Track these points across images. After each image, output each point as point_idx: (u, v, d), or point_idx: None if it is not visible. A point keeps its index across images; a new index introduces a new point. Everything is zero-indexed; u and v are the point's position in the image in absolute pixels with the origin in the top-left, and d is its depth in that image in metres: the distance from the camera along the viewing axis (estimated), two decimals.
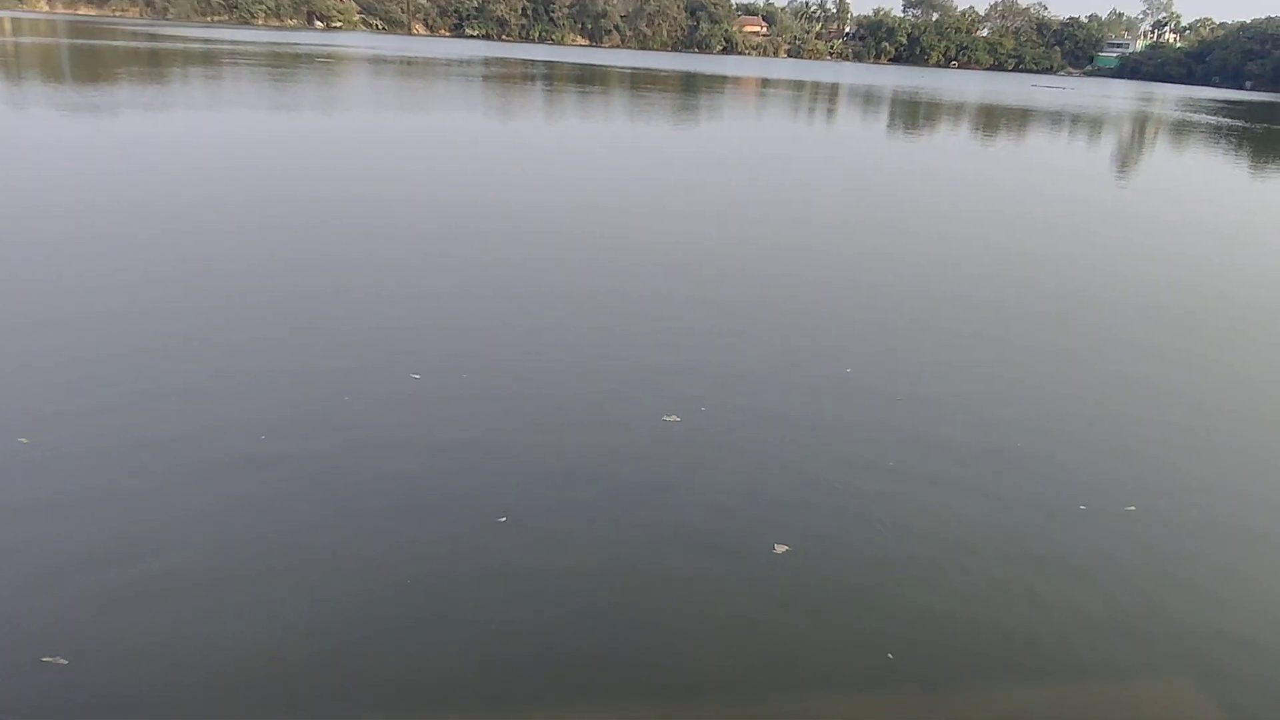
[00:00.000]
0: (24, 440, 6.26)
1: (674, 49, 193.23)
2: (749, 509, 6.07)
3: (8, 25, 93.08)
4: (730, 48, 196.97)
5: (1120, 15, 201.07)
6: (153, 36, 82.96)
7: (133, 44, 66.26)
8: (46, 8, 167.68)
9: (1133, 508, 6.40)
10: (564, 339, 8.98)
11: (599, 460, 6.58)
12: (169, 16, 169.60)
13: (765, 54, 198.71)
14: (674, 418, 7.27)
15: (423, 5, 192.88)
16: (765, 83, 74.76)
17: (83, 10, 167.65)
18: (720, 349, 9.03)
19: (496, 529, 5.62)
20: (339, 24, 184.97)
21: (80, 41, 66.68)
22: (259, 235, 12.13)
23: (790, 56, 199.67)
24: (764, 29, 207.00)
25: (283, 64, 52.81)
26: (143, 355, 7.84)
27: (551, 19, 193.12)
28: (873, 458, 6.89)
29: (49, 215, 12.37)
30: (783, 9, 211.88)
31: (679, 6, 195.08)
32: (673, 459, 6.67)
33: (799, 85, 73.39)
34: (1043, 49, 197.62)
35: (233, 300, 9.39)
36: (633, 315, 9.93)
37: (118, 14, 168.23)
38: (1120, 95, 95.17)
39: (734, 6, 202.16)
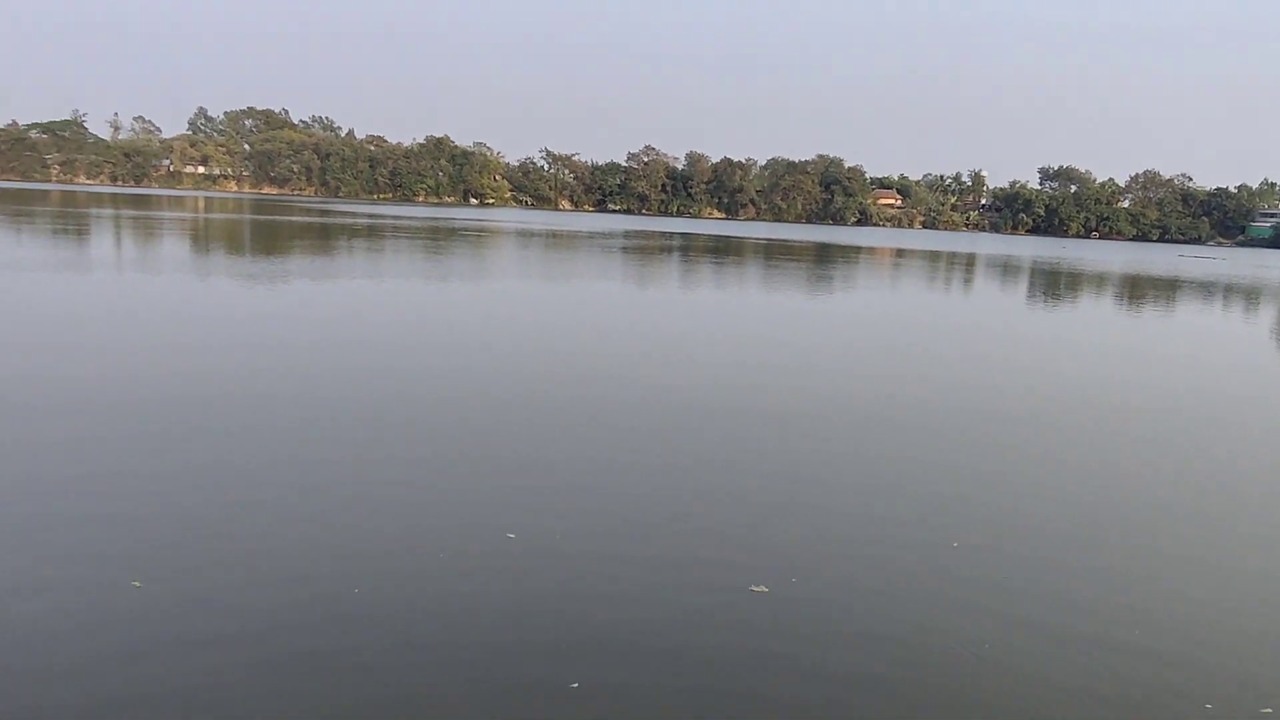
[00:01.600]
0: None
1: (808, 221, 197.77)
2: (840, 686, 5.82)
3: (201, 203, 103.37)
4: (865, 219, 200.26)
5: (1273, 185, 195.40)
6: (325, 212, 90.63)
7: (307, 219, 72.52)
8: (235, 187, 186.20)
9: None
10: (705, 499, 9.03)
11: (711, 640, 6.49)
12: (340, 194, 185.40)
13: (900, 225, 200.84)
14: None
15: (569, 183, 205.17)
16: (900, 253, 75.38)
17: (266, 189, 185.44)
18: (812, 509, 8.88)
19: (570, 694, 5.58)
20: (492, 200, 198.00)
21: (262, 217, 73.46)
22: (399, 401, 12.81)
23: (925, 228, 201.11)
24: (898, 201, 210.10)
25: (439, 237, 56.70)
26: (292, 496, 8.29)
27: (689, 194, 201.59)
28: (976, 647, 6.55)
29: (217, 376, 13.45)
30: (917, 182, 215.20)
31: (814, 181, 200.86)
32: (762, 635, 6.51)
33: (934, 255, 73.65)
34: (1189, 219, 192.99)
35: (376, 460, 9.88)
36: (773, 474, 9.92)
37: (296, 192, 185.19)
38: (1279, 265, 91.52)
39: (868, 180, 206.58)
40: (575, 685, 5.66)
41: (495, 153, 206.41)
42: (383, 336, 17.82)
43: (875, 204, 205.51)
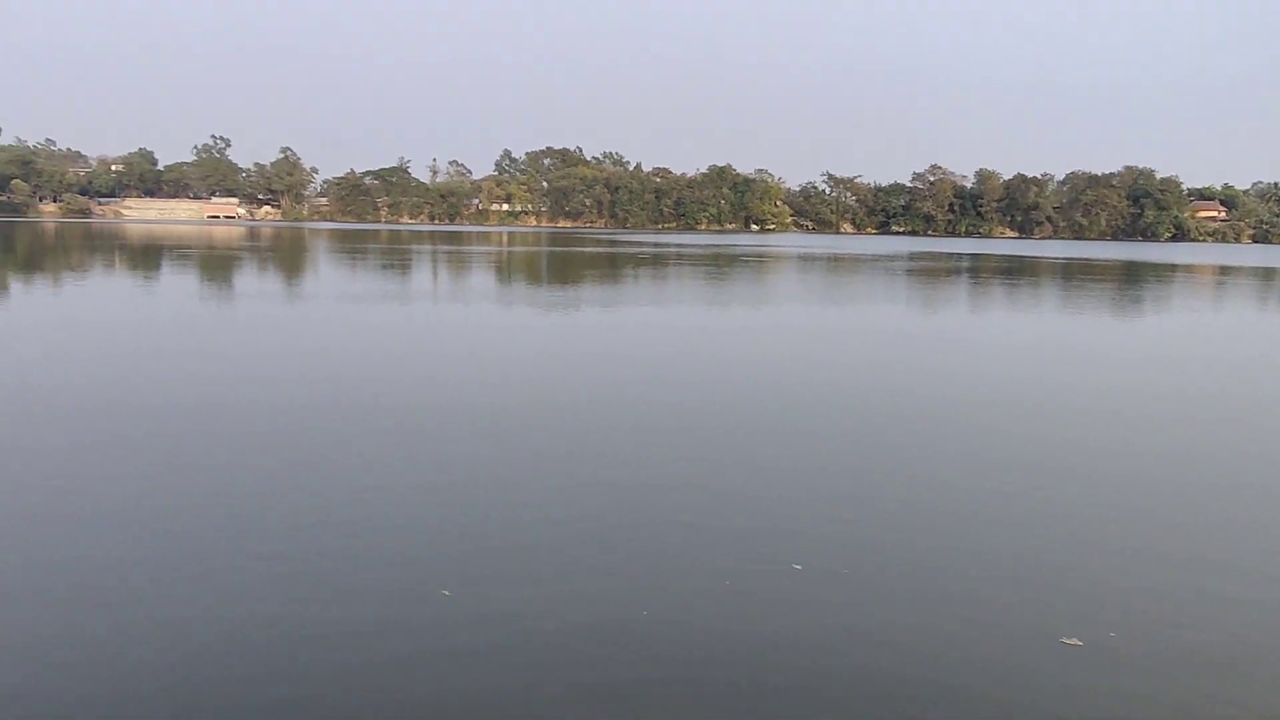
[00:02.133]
0: (446, 593, 7.21)
1: (1113, 238, 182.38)
2: None
3: (505, 237, 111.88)
4: (1180, 234, 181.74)
5: None
6: (613, 243, 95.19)
7: (597, 250, 76.58)
8: (535, 221, 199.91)
9: None
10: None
11: None
12: (628, 225, 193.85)
13: (1223, 240, 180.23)
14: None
15: (850, 206, 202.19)
16: (1223, 270, 67.72)
17: (562, 222, 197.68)
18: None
19: None
20: (772, 226, 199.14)
21: (557, 249, 78.40)
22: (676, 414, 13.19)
23: (1256, 242, 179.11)
24: (1222, 213, 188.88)
25: (720, 264, 57.87)
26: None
27: (979, 213, 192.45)
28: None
29: (526, 387, 14.54)
30: (1245, 191, 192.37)
31: (1120, 195, 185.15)
32: None
33: (1268, 273, 65.51)
34: None
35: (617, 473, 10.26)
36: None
37: (588, 224, 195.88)
38: None
39: (1184, 191, 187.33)
40: None
41: (776, 179, 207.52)
42: (671, 367, 18.41)
43: (1193, 217, 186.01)
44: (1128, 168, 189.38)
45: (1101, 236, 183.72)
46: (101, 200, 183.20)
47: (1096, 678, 6.06)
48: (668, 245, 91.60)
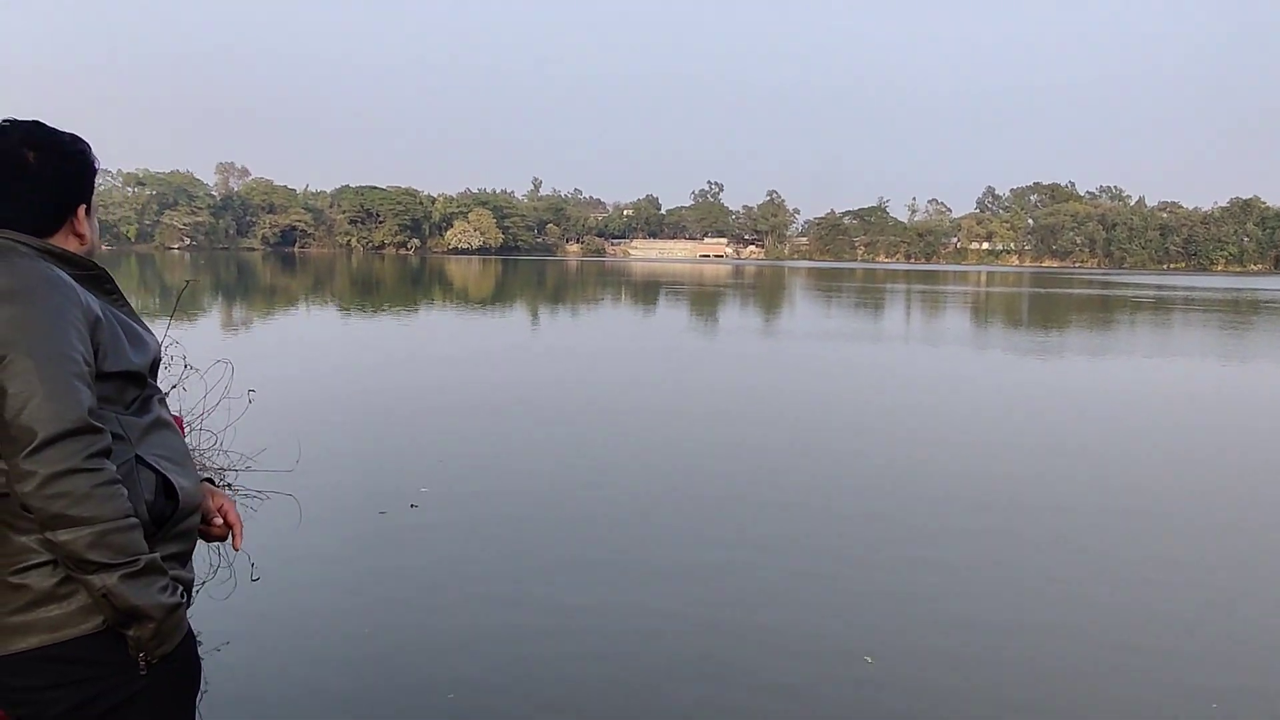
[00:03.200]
0: None
1: None
2: None
3: (984, 278, 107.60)
4: None
5: None
6: (1106, 284, 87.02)
7: (1088, 291, 70.51)
8: (1017, 261, 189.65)
9: None
10: None
11: None
12: (1125, 265, 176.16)
13: None
14: None
15: None
16: None
17: (1047, 262, 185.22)
18: None
19: None
20: None
21: (1040, 290, 73.56)
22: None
23: None
24: None
25: (1240, 310, 50.26)
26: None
27: None
28: None
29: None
30: None
31: None
32: None
33: None
34: None
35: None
36: None
37: (1077, 264, 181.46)
38: None
39: None
40: None
41: None
42: (1181, 436, 16.44)
43: None
44: None
45: None
46: (614, 241, 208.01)
47: None
48: (1173, 288, 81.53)
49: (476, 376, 19.39)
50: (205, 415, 8.53)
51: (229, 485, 9.11)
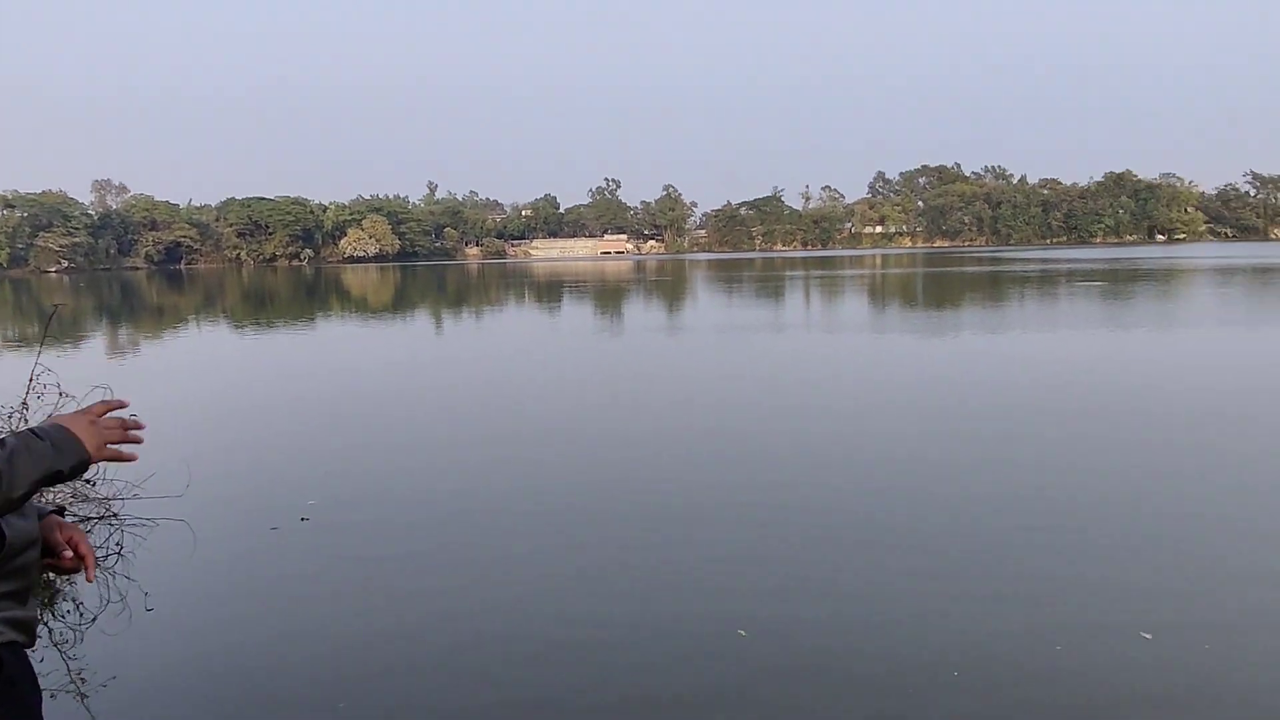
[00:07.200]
0: None
1: None
2: None
3: (879, 260, 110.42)
4: None
5: None
6: (995, 261, 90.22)
7: (978, 269, 72.95)
8: (909, 242, 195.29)
9: None
10: None
11: None
12: (1012, 241, 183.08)
13: None
14: None
15: None
16: None
17: (938, 242, 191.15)
18: None
19: None
20: (1182, 235, 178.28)
21: (934, 270, 75.83)
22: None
23: None
24: None
25: (1118, 281, 52.66)
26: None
27: None
28: None
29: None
30: None
31: None
32: None
33: None
34: None
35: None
36: None
37: (967, 243, 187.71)
38: None
39: None
40: None
41: (1186, 183, 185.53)
42: (1065, 398, 17.06)
43: None
44: None
45: None
46: (514, 242, 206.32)
47: None
48: (1057, 261, 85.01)
49: (369, 389, 19.00)
50: None
51: (115, 515, 8.69)
